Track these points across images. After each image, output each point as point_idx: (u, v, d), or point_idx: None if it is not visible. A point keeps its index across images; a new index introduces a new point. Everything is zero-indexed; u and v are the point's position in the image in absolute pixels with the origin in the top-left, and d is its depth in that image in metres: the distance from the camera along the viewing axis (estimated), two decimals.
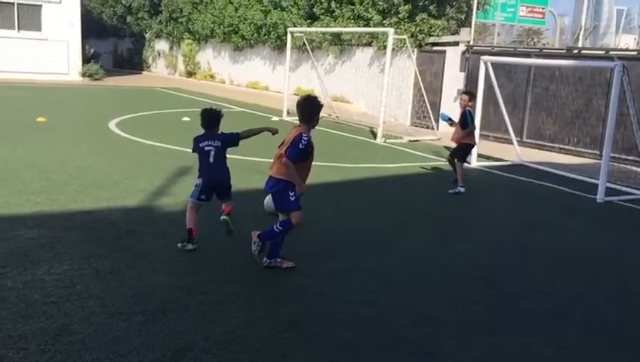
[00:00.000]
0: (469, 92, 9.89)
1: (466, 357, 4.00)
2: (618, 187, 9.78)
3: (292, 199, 5.07)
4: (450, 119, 9.62)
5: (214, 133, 5.84)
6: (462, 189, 9.03)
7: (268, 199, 6.75)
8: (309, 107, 5.19)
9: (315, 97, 5.38)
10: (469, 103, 9.26)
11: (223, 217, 5.89)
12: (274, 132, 5.96)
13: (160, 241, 5.78)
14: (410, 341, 4.14)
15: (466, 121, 9.16)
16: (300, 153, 5.02)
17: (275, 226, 5.15)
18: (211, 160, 5.75)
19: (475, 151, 11.17)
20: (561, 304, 5.02)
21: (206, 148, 5.75)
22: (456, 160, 9.30)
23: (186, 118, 15.05)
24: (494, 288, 5.28)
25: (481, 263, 5.90)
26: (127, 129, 12.73)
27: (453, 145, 9.63)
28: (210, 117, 5.84)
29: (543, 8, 26.18)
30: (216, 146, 5.76)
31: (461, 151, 9.36)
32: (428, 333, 4.28)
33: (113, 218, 6.44)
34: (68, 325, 3.97)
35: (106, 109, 16.02)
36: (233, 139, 5.84)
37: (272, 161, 5.33)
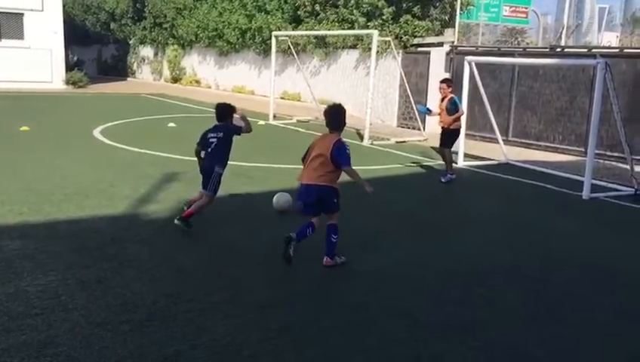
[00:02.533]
0: (447, 79, 10.41)
1: (456, 358, 3.98)
2: (604, 183, 9.83)
3: (335, 201, 5.52)
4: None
5: (220, 125, 6.58)
6: (453, 176, 9.61)
7: (276, 199, 7.21)
8: (339, 115, 5.52)
9: (341, 105, 5.68)
10: (448, 90, 9.84)
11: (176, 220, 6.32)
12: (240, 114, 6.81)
13: (146, 249, 5.71)
14: (400, 344, 4.12)
15: (455, 106, 9.69)
16: (350, 157, 5.44)
17: (331, 239, 5.49)
18: (209, 149, 6.53)
19: (461, 150, 11.28)
20: (550, 303, 5.02)
21: (210, 140, 6.53)
22: (442, 146, 9.87)
23: (171, 124, 14.97)
24: (483, 288, 5.27)
25: (470, 263, 5.89)
26: (112, 136, 12.62)
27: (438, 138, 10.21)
28: (220, 110, 6.65)
29: (525, 8, 26.36)
30: (218, 137, 6.49)
31: (449, 136, 9.84)
32: (418, 335, 4.26)
33: (98, 226, 6.36)
34: (52, 337, 3.90)
35: (90, 117, 15.89)
36: (235, 131, 6.59)
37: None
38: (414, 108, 15.38)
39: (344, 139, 5.48)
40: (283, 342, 4.02)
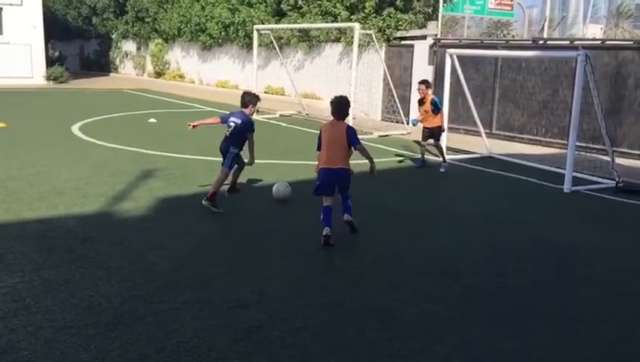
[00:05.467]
0: (425, 81, 10.69)
1: (430, 356, 3.89)
2: (585, 176, 9.81)
3: (349, 184, 6.28)
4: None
5: (243, 113, 7.23)
6: (446, 165, 10.32)
7: (276, 188, 7.57)
8: (345, 105, 6.27)
9: (345, 96, 6.44)
10: (428, 91, 10.25)
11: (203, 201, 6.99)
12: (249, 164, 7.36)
13: (117, 248, 5.57)
14: (373, 343, 4.03)
15: (437, 106, 10.14)
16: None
17: (348, 203, 6.29)
18: (228, 133, 7.17)
19: (444, 144, 11.23)
20: (526, 297, 4.96)
21: (230, 123, 7.18)
22: (434, 143, 10.40)
23: (152, 120, 14.77)
24: (460, 284, 5.20)
25: (449, 259, 5.82)
26: (91, 132, 12.42)
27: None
28: (243, 98, 7.36)
29: (511, 0, 26.37)
30: (236, 124, 7.14)
31: (438, 134, 10.33)
32: (392, 334, 4.17)
33: (70, 225, 6.21)
34: (14, 342, 3.77)
35: (69, 113, 15.66)
36: (247, 130, 7.15)
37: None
38: (397, 101, 15.32)
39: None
40: (252, 343, 3.92)
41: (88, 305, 4.35)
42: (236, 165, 7.32)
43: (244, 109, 7.27)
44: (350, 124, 6.28)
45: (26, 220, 6.34)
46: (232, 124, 7.16)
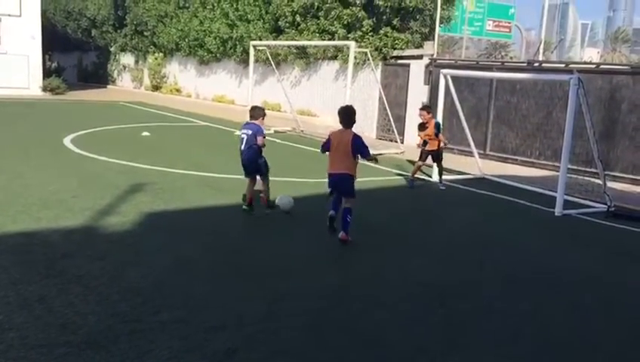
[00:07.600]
0: (427, 107, 11.14)
1: None
2: (577, 200, 9.75)
3: (352, 188, 6.68)
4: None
5: (250, 124, 7.65)
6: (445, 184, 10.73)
7: (279, 199, 7.75)
8: (351, 114, 6.71)
9: (352, 106, 7.03)
10: (429, 116, 10.52)
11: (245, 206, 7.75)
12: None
13: (98, 264, 5.47)
14: None
15: (439, 130, 10.49)
16: (368, 147, 6.67)
17: (347, 218, 6.54)
18: (242, 146, 7.57)
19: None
20: (513, 322, 4.87)
21: (241, 136, 7.63)
22: (439, 162, 10.69)
23: (145, 133, 14.71)
24: (446, 308, 5.10)
25: (436, 281, 5.73)
26: (83, 145, 12.35)
27: (416, 157, 11.09)
28: (253, 112, 7.81)
29: (509, 22, 26.59)
30: (247, 135, 7.52)
31: (439, 154, 10.63)
32: (373, 358, 4.08)
33: (51, 240, 6.11)
34: None
35: (63, 124, 15.60)
36: (257, 134, 7.53)
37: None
38: (391, 120, 15.32)
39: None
40: None
41: (62, 323, 4.24)
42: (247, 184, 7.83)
43: (254, 121, 7.69)
44: (357, 134, 6.66)
45: (9, 233, 6.24)
46: (243, 136, 7.57)
